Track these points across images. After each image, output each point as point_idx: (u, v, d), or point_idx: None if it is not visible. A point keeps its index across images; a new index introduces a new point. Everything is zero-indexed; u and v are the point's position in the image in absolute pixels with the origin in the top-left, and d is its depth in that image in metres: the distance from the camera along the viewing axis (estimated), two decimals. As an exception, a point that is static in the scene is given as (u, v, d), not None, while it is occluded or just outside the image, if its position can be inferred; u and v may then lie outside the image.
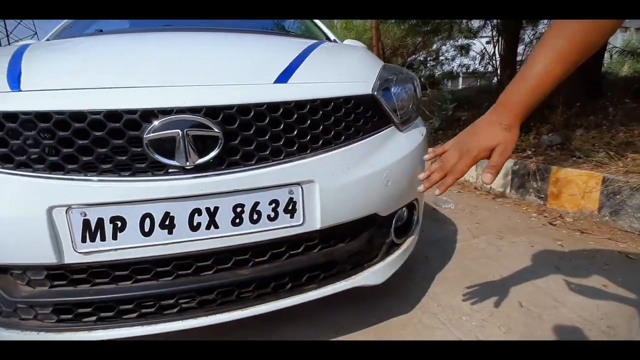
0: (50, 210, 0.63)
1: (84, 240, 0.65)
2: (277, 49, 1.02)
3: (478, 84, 6.88)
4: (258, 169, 0.71)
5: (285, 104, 0.73)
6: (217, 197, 0.69)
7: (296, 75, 0.79)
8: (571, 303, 1.23)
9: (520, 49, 4.28)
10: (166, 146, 0.65)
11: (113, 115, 0.64)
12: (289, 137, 0.74)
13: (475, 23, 5.53)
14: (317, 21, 1.96)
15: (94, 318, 0.73)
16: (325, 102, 0.78)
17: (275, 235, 0.76)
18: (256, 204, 0.72)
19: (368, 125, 0.86)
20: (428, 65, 9.63)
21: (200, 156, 0.67)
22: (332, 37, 1.81)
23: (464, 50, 6.98)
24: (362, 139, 0.84)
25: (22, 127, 0.63)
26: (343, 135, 0.81)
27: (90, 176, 0.64)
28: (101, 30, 1.35)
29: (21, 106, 0.63)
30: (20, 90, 0.65)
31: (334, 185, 0.78)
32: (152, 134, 0.64)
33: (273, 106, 0.72)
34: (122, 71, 0.73)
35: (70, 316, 0.72)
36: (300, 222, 0.77)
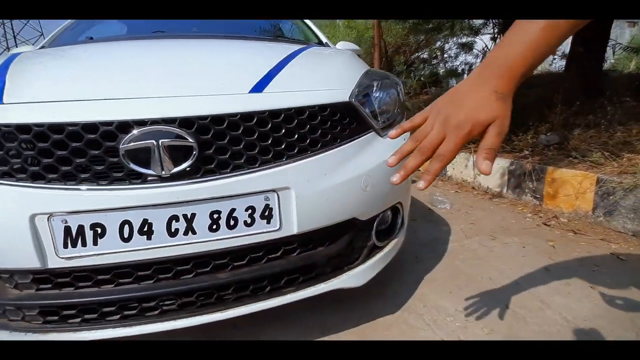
0: (32, 217, 0.66)
1: (65, 246, 0.68)
2: (259, 56, 1.04)
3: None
4: (233, 176, 0.73)
5: (260, 113, 0.75)
6: (193, 204, 0.71)
7: (273, 84, 0.81)
8: (557, 305, 1.23)
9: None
10: (142, 156, 0.67)
11: (90, 127, 0.66)
12: (264, 145, 0.76)
13: (478, 21, 5.50)
14: (309, 23, 1.98)
15: (78, 320, 0.76)
16: (301, 110, 0.80)
17: (253, 240, 0.78)
18: (232, 210, 0.74)
19: (346, 132, 0.88)
20: (431, 63, 9.60)
21: (176, 165, 0.69)
22: (323, 39, 1.83)
23: (467, 48, 6.94)
24: (340, 146, 0.86)
25: (3, 138, 0.67)
26: (320, 142, 0.83)
27: (70, 185, 0.67)
28: (91, 38, 1.38)
29: (2, 119, 0.67)
30: (3, 103, 0.68)
31: (310, 191, 0.80)
32: (127, 145, 0.67)
33: (247, 116, 0.74)
34: (100, 83, 0.76)
35: (55, 318, 0.76)
36: (277, 227, 0.79)
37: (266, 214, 0.77)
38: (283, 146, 0.78)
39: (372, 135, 0.95)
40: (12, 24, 22.33)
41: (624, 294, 1.27)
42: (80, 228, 0.68)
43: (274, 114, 0.77)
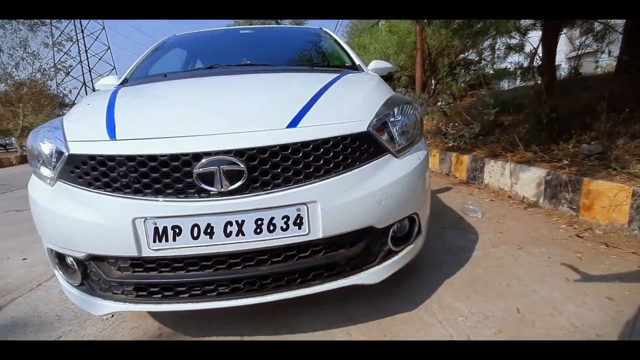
0: (133, 220, 0.94)
1: (154, 241, 0.95)
2: (296, 92, 1.25)
3: (524, 84, 6.56)
4: (273, 193, 0.96)
5: (294, 144, 0.97)
6: (243, 213, 0.95)
7: (305, 119, 1.03)
8: (568, 312, 1.31)
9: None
10: (208, 177, 0.92)
11: (174, 157, 0.93)
12: (297, 168, 0.98)
13: (526, 21, 5.32)
14: (345, 46, 2.18)
15: (159, 295, 1.03)
16: (326, 141, 1.00)
17: (287, 242, 1.00)
18: (272, 218, 0.97)
19: (364, 156, 1.07)
20: (477, 64, 9.32)
21: (231, 184, 0.93)
22: (356, 61, 2.02)
23: (517, 48, 6.69)
24: (358, 167, 1.05)
25: (116, 164, 0.95)
26: (342, 164, 1.03)
27: (159, 198, 0.94)
28: (165, 75, 1.70)
29: (116, 151, 0.95)
30: (116, 140, 0.97)
31: (333, 204, 1.00)
32: (198, 169, 0.92)
33: (284, 146, 0.96)
34: (179, 122, 1.03)
35: (144, 293, 1.04)
36: (306, 232, 1.00)
37: (298, 221, 0.98)
38: (312, 169, 0.99)
39: (388, 157, 1.13)
40: (87, 59, 25.64)
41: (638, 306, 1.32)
42: (165, 229, 0.94)
43: (305, 144, 0.98)
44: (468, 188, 3.42)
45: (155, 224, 0.94)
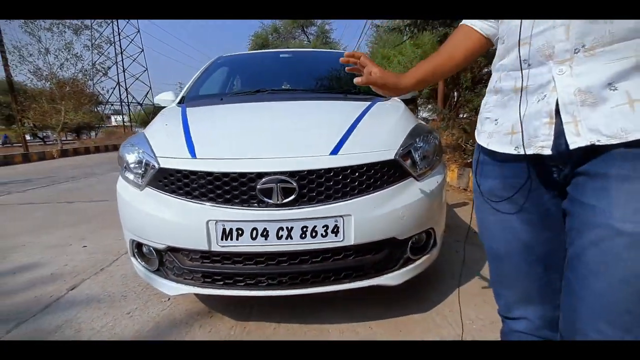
0: (207, 222, 1.20)
1: (221, 239, 1.21)
2: (335, 122, 1.49)
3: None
4: (316, 206, 1.20)
5: (335, 169, 1.21)
6: (292, 221, 1.19)
7: (344, 147, 1.27)
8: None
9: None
10: (267, 192, 1.17)
11: (242, 174, 1.19)
12: (336, 187, 1.22)
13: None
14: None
15: (221, 282, 1.29)
16: (361, 166, 1.24)
17: (325, 246, 1.24)
18: (314, 226, 1.21)
19: (391, 179, 1.30)
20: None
21: (284, 198, 1.18)
22: None
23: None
24: (386, 188, 1.28)
25: (197, 177, 1.22)
26: (372, 186, 1.26)
27: (228, 206, 1.20)
28: (221, 99, 1.99)
29: (197, 168, 1.22)
30: (196, 158, 1.25)
31: (363, 217, 1.23)
32: (260, 185, 1.17)
33: (327, 170, 1.20)
34: (244, 146, 1.30)
35: (210, 280, 1.30)
36: (341, 239, 1.23)
37: (335, 230, 1.22)
38: (348, 188, 1.23)
39: (410, 180, 1.36)
40: (122, 61, 27.16)
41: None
42: (230, 230, 1.20)
43: (343, 169, 1.22)
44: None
45: (224, 225, 1.20)
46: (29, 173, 7.46)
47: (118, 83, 27.15)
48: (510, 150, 0.66)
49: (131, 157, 1.43)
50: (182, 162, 1.25)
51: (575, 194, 0.61)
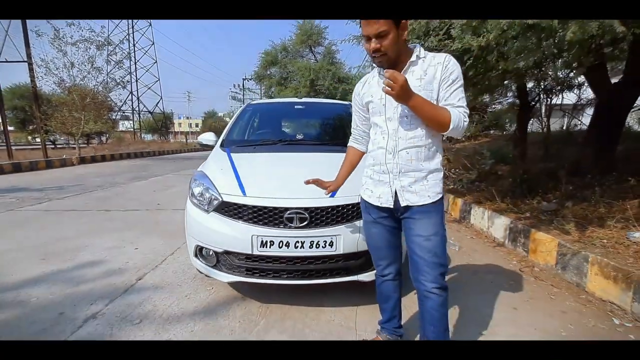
0: (251, 236, 1.93)
1: (260, 247, 1.94)
2: (334, 171, 2.23)
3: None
4: (320, 229, 1.93)
5: (332, 207, 1.94)
6: (304, 237, 1.92)
7: (339, 192, 2.00)
8: (483, 314, 2.19)
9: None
10: (290, 219, 1.90)
11: (277, 208, 1.92)
12: (333, 217, 1.95)
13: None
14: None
15: (257, 274, 2.01)
16: (348, 205, 1.98)
17: (324, 254, 1.96)
18: (318, 241, 1.93)
19: (368, 212, 2.04)
20: (491, 109, 10.15)
21: (300, 223, 1.91)
22: None
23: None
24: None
25: (247, 209, 1.96)
26: (355, 217, 1.99)
27: (265, 227, 1.93)
28: (254, 148, 2.76)
29: (247, 202, 1.96)
30: (246, 196, 1.99)
31: (348, 236, 1.96)
32: (286, 215, 1.91)
33: (327, 207, 1.94)
34: (276, 188, 2.04)
35: (250, 272, 2.02)
36: (335, 250, 1.95)
37: (331, 243, 1.94)
38: (340, 218, 1.96)
39: (381, 212, 2.09)
40: (136, 72, 28.34)
41: (542, 318, 2.17)
42: (265, 241, 1.93)
43: (338, 206, 1.96)
44: (458, 226, 4.29)
45: (262, 239, 1.93)
46: (57, 180, 8.19)
47: (131, 92, 28.28)
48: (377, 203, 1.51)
49: (197, 190, 2.18)
50: (237, 198, 2.00)
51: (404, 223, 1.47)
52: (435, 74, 1.35)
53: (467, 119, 1.36)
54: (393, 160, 1.42)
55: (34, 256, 3.10)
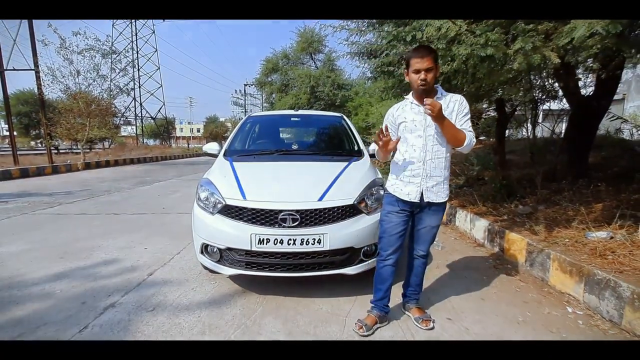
0: (250, 234, 2.24)
1: (257, 244, 2.24)
2: (323, 178, 2.54)
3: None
4: (309, 228, 2.23)
5: (320, 209, 2.25)
6: (296, 235, 2.22)
7: (327, 196, 2.31)
8: (456, 304, 2.49)
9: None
10: (283, 219, 2.21)
11: (272, 210, 2.23)
12: (320, 218, 2.26)
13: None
14: (356, 134, 3.51)
15: (256, 267, 2.32)
16: (335, 207, 2.28)
17: (313, 250, 2.26)
18: (308, 239, 2.23)
19: (351, 214, 2.34)
20: (485, 115, 10.48)
21: (292, 223, 2.22)
22: (361, 147, 3.33)
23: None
24: (348, 219, 2.31)
25: (247, 211, 2.27)
26: (340, 218, 2.30)
27: (262, 226, 2.24)
28: (254, 157, 3.08)
29: (247, 205, 2.27)
30: (246, 200, 2.30)
31: (335, 234, 2.26)
32: (280, 216, 2.21)
33: (315, 209, 2.25)
34: (272, 193, 2.35)
35: (249, 266, 2.32)
36: (322, 246, 2.26)
37: (319, 241, 2.24)
38: (327, 219, 2.27)
39: (363, 215, 2.40)
40: (139, 78, 28.91)
41: (512, 305, 2.47)
42: (262, 239, 2.23)
43: (325, 209, 2.26)
44: (444, 228, 4.59)
45: (259, 237, 2.23)
46: (64, 185, 8.52)
47: (134, 99, 28.79)
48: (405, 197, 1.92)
49: (203, 195, 2.49)
50: (239, 202, 2.31)
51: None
52: (454, 107, 1.89)
53: (474, 140, 1.93)
54: (422, 167, 1.93)
55: (53, 255, 3.40)
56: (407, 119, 1.96)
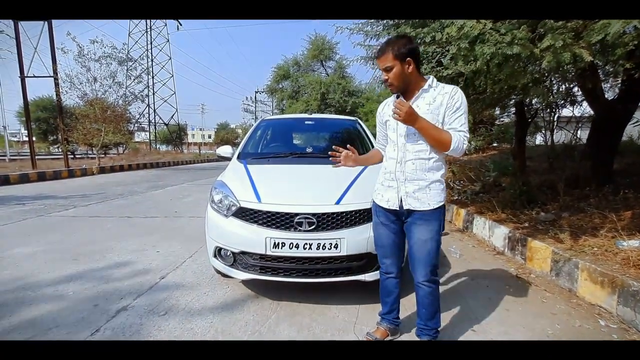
0: (265, 238, 2.18)
1: (272, 248, 2.17)
2: (340, 182, 2.47)
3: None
4: (326, 232, 2.16)
5: (337, 213, 2.18)
6: (312, 240, 2.15)
7: (344, 200, 2.24)
8: (477, 312, 2.37)
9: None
10: (299, 223, 2.14)
11: (288, 213, 2.17)
12: (338, 222, 2.19)
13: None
14: (370, 136, 3.44)
15: (271, 272, 2.25)
16: (351, 211, 2.21)
17: (330, 255, 2.18)
18: (325, 243, 2.16)
19: (368, 218, 2.26)
20: (500, 121, 10.31)
21: (309, 227, 2.15)
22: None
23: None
24: (365, 224, 2.23)
25: (262, 214, 2.21)
26: (357, 222, 2.22)
27: (277, 229, 2.17)
28: (268, 160, 3.03)
29: (262, 208, 2.21)
30: (261, 202, 2.25)
31: (352, 239, 2.18)
32: (297, 219, 2.15)
33: (333, 213, 2.18)
34: (288, 196, 2.29)
35: (263, 271, 2.26)
36: (339, 251, 2.18)
37: (336, 246, 2.17)
38: (344, 223, 2.19)
39: (381, 219, 2.31)
40: (153, 86, 29.60)
41: (527, 319, 2.35)
42: (278, 243, 2.16)
43: (343, 212, 2.19)
44: (461, 235, 4.45)
45: (274, 240, 2.17)
46: (80, 189, 8.64)
47: (148, 105, 29.38)
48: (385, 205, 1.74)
49: (217, 197, 2.45)
50: (253, 204, 2.26)
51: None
52: (442, 101, 1.62)
53: (466, 142, 1.63)
54: (400, 169, 1.71)
55: (66, 257, 3.40)
56: (390, 116, 1.74)
